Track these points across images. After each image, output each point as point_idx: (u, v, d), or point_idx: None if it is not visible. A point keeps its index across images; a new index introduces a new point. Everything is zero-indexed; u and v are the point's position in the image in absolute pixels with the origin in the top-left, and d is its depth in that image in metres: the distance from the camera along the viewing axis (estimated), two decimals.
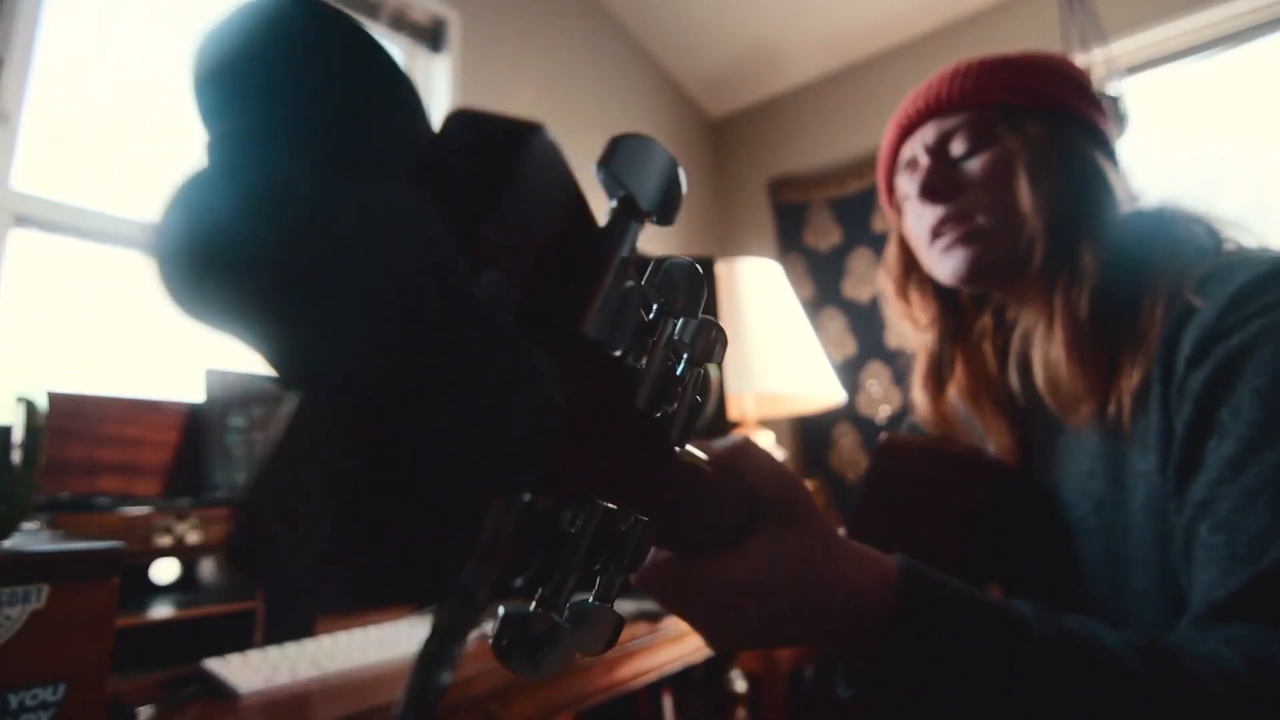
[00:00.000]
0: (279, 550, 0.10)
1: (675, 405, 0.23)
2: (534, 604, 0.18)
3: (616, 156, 0.17)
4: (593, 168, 0.17)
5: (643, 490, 0.23)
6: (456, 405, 0.12)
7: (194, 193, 0.09)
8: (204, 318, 0.09)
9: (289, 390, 0.11)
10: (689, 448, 0.32)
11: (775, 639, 0.36)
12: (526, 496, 0.14)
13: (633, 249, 0.17)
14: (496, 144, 0.13)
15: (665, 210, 0.18)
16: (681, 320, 0.23)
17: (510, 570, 0.15)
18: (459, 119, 0.13)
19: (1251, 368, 0.44)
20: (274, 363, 0.10)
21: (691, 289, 0.22)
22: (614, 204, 0.17)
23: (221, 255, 0.09)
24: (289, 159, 0.10)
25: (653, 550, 0.33)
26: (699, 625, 0.36)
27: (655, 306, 0.21)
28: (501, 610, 0.17)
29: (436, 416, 0.12)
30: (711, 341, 0.24)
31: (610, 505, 0.19)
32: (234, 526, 0.10)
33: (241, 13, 0.10)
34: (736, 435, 0.36)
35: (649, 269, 0.21)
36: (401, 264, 0.10)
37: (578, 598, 0.22)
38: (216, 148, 0.10)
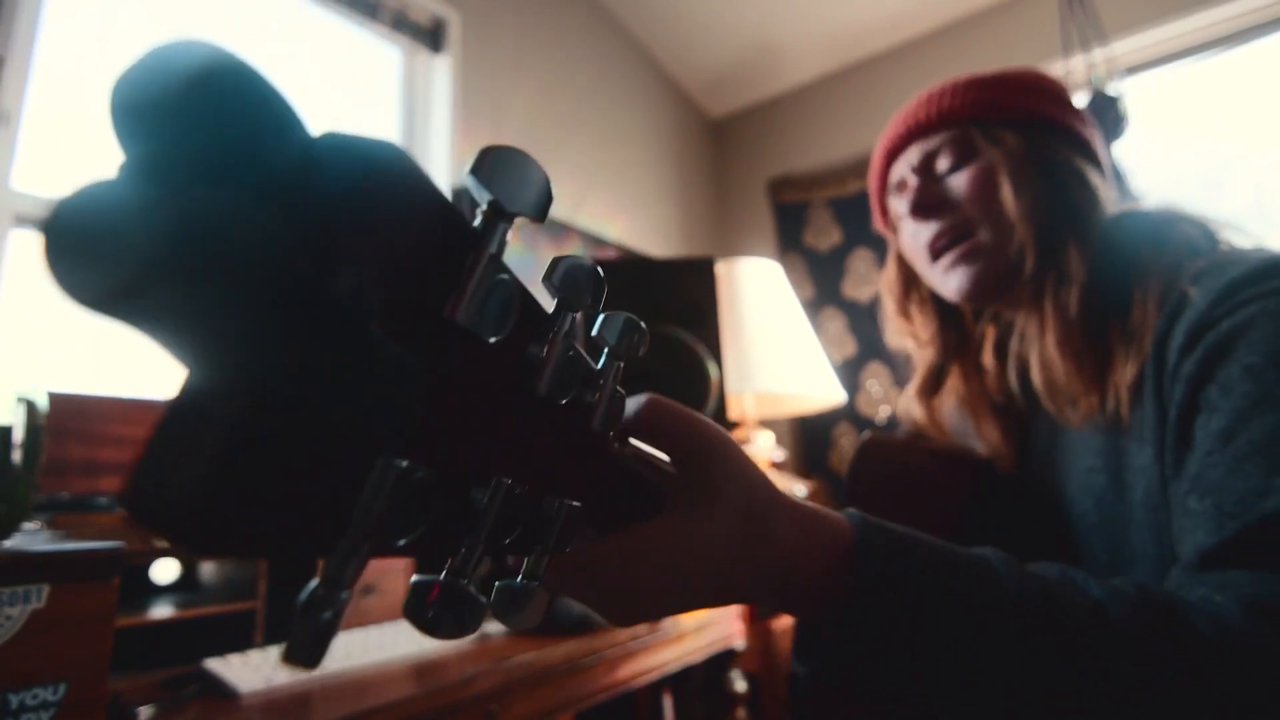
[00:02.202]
0: (165, 498, 0.12)
1: (596, 395, 0.26)
2: (443, 573, 0.20)
3: (482, 167, 0.19)
4: (467, 177, 0.19)
5: (561, 474, 0.25)
6: (321, 381, 0.14)
7: (89, 200, 0.11)
8: (92, 306, 0.11)
9: (176, 360, 0.13)
10: (635, 442, 0.33)
11: (686, 605, 0.34)
12: (403, 463, 0.16)
13: (502, 246, 0.19)
14: (347, 157, 0.15)
15: (533, 211, 0.20)
16: (601, 317, 0.26)
17: (393, 529, 0.16)
18: (324, 139, 0.15)
19: (1242, 348, 0.45)
20: (160, 337, 0.12)
21: (591, 284, 0.24)
22: (483, 207, 0.19)
23: (105, 255, 0.11)
24: (166, 177, 0.12)
25: None
26: (603, 608, 0.34)
27: (555, 301, 0.23)
28: (412, 581, 0.20)
29: (310, 392, 0.14)
30: (627, 336, 0.26)
31: (518, 485, 0.21)
32: (129, 476, 0.12)
33: (141, 60, 0.12)
34: (642, 395, 0.34)
35: (547, 267, 0.23)
36: (248, 262, 0.12)
37: (521, 579, 0.25)
38: (123, 167, 0.12)
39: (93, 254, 0.11)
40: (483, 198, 0.19)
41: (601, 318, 0.26)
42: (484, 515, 0.20)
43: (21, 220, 1.14)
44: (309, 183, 0.14)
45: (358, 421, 0.15)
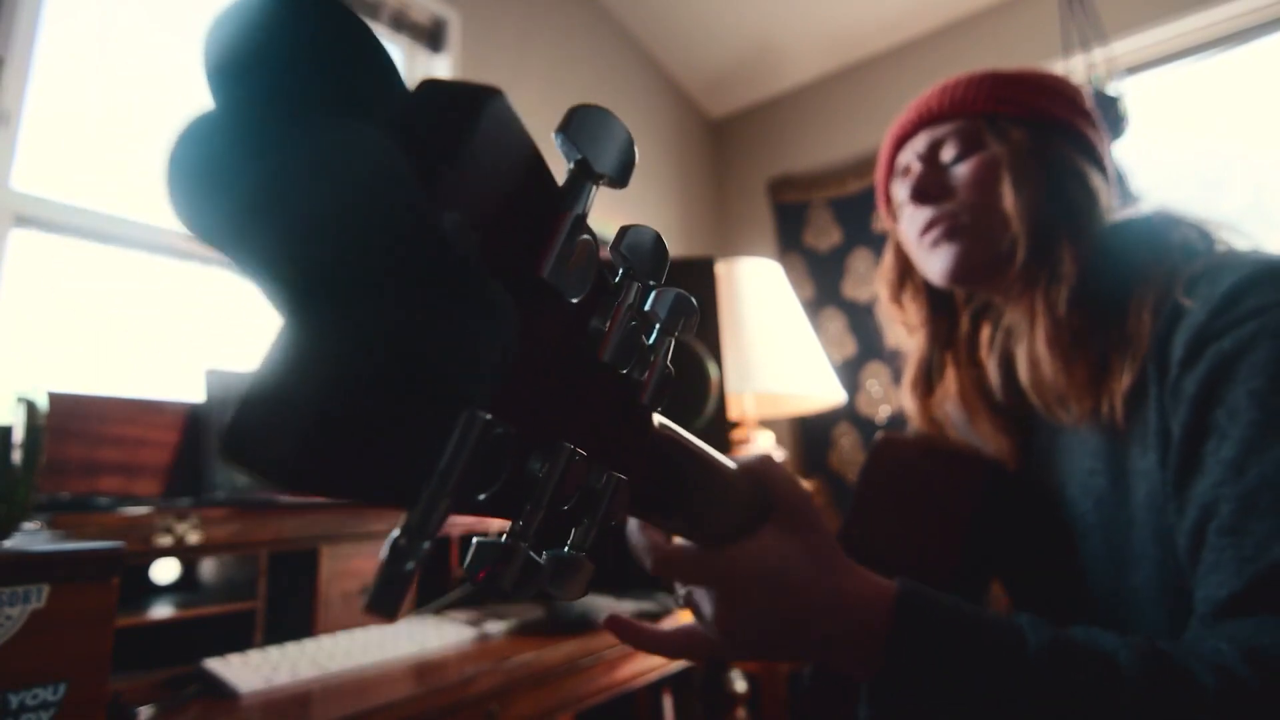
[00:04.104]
0: (262, 445, 0.12)
1: (647, 373, 0.26)
2: (504, 536, 0.20)
3: (573, 124, 0.19)
4: (553, 135, 0.19)
5: (612, 446, 0.25)
6: (422, 324, 0.14)
7: (202, 130, 0.12)
8: (207, 236, 0.11)
9: (278, 311, 0.13)
10: (707, 448, 0.35)
11: (783, 643, 0.38)
12: (487, 416, 0.16)
13: (587, 207, 0.19)
14: (458, 101, 0.15)
15: (618, 173, 0.20)
16: (654, 292, 0.26)
17: (473, 484, 0.16)
18: (429, 84, 0.15)
19: (1245, 370, 0.45)
20: (262, 283, 0.12)
21: (655, 255, 0.24)
22: (571, 166, 0.19)
23: (224, 181, 0.11)
24: (280, 105, 0.12)
25: (676, 540, 0.38)
26: (715, 607, 0.38)
27: (620, 271, 0.23)
28: (475, 541, 0.19)
29: (406, 334, 0.14)
30: (681, 310, 0.26)
31: (578, 453, 0.21)
32: (228, 425, 0.12)
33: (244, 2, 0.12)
34: (763, 453, 0.41)
35: (615, 236, 0.23)
36: (372, 193, 0.12)
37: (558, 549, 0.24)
38: (229, 104, 0.12)
39: (218, 186, 0.11)
40: (570, 156, 0.19)
41: (654, 293, 0.26)
42: (546, 480, 0.20)
43: (21, 220, 1.14)
44: (423, 119, 0.14)
45: (451, 369, 0.15)
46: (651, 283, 0.24)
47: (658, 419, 0.30)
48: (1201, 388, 0.47)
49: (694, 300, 0.27)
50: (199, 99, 0.13)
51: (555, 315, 0.20)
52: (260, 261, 0.12)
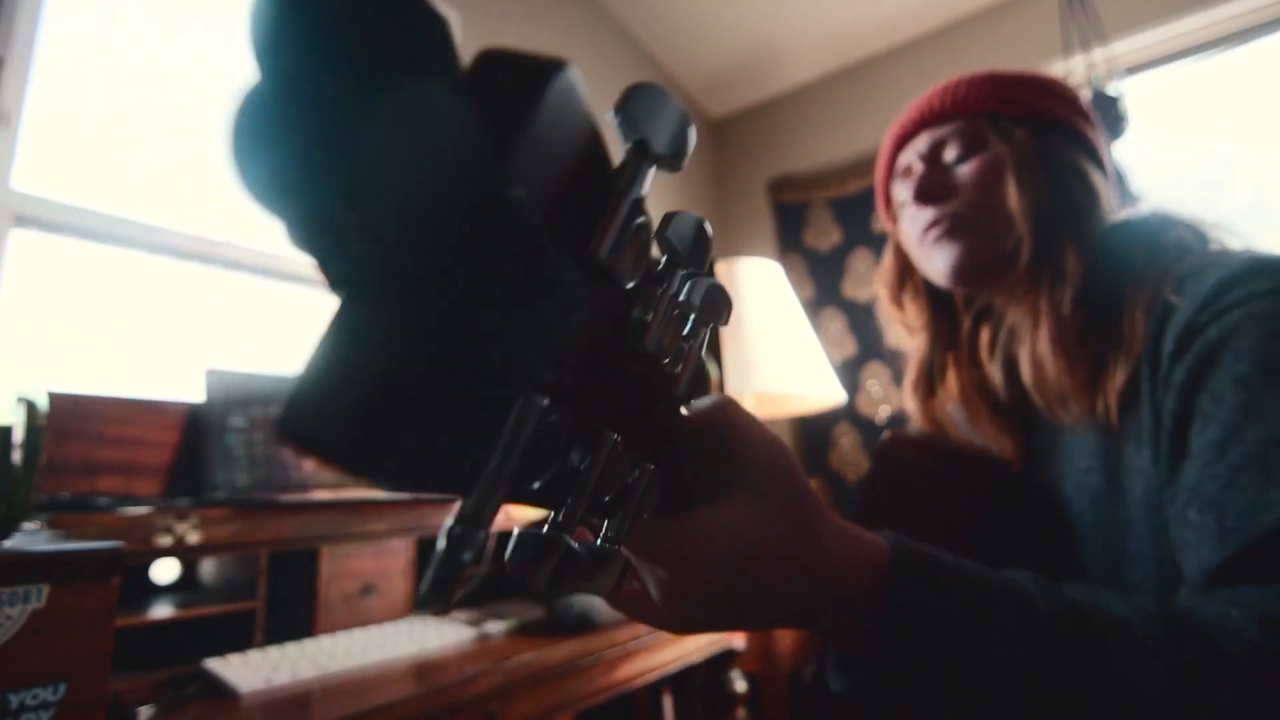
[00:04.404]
0: (321, 426, 0.11)
1: (681, 364, 0.24)
2: (545, 528, 0.19)
3: (631, 103, 0.18)
4: (610, 112, 0.18)
5: (649, 437, 0.24)
6: (485, 301, 0.13)
7: (266, 96, 0.11)
8: (272, 203, 0.11)
9: (333, 289, 0.12)
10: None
11: (747, 616, 0.33)
12: (545, 401, 0.15)
13: (645, 189, 0.18)
14: (527, 74, 0.14)
15: (675, 156, 0.19)
16: (689, 282, 0.24)
17: (528, 471, 0.16)
18: (492, 54, 0.14)
19: (1229, 356, 0.45)
20: (325, 253, 0.12)
21: (698, 242, 0.23)
22: (629, 146, 0.18)
23: (293, 145, 0.11)
24: (346, 69, 0.12)
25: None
26: (662, 590, 0.33)
27: (663, 260, 0.22)
28: (516, 530, 0.18)
29: (467, 311, 0.13)
30: (717, 302, 0.25)
31: (620, 443, 0.20)
32: (286, 405, 0.11)
33: None
34: (719, 394, 0.34)
35: (659, 222, 0.22)
36: (445, 159, 0.12)
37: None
38: (286, 73, 0.12)
39: (289, 144, 0.11)
40: (629, 136, 0.18)
41: (689, 282, 0.24)
42: (590, 470, 0.19)
43: (21, 220, 1.14)
44: (495, 86, 0.13)
45: (515, 346, 0.14)
46: (700, 271, 0.23)
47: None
48: (1189, 376, 0.47)
49: (728, 291, 0.25)
50: (247, 74, 0.12)
51: (608, 300, 0.19)
52: (325, 231, 0.11)
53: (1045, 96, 0.64)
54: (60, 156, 1.21)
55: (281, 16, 0.12)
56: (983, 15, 2.14)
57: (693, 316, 0.25)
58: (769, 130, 2.63)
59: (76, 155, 1.24)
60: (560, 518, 0.19)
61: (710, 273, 0.25)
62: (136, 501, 0.86)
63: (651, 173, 0.19)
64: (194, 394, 1.08)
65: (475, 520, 0.15)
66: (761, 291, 1.54)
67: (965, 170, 0.63)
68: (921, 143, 0.66)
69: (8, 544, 0.53)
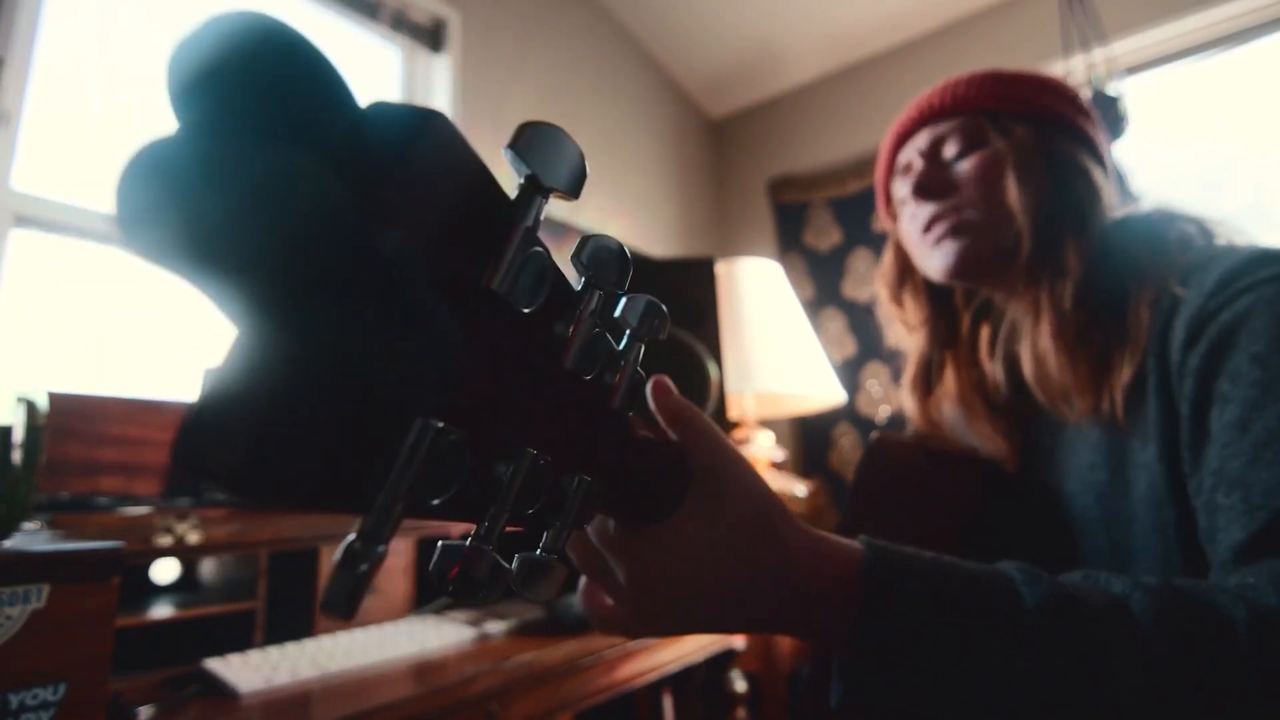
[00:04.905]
0: (214, 452, 0.12)
1: (617, 376, 0.26)
2: (469, 539, 0.20)
3: (521, 141, 0.19)
4: (504, 151, 0.20)
5: (581, 450, 0.25)
6: (365, 338, 0.14)
7: (153, 154, 0.12)
8: (154, 257, 0.12)
9: (230, 321, 0.13)
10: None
11: (715, 620, 0.33)
12: (439, 424, 0.17)
13: (537, 220, 0.20)
14: (398, 123, 0.15)
15: (570, 186, 0.21)
16: (624, 299, 0.26)
17: (426, 489, 0.17)
18: (376, 106, 0.15)
19: (1245, 337, 0.46)
20: (212, 297, 0.13)
21: (618, 263, 0.24)
22: (521, 180, 0.20)
23: (174, 204, 0.12)
24: (231, 132, 0.13)
25: (600, 519, 0.33)
26: (624, 598, 0.34)
27: (583, 280, 0.24)
28: (440, 544, 0.20)
29: (354, 342, 0.14)
30: (649, 318, 0.27)
31: (542, 457, 0.22)
32: (180, 429, 0.12)
33: (202, 28, 0.13)
34: (682, 400, 0.35)
35: (575, 246, 0.24)
36: (311, 218, 0.13)
37: (535, 551, 0.25)
38: (183, 129, 0.13)
39: (164, 209, 0.12)
40: (520, 171, 0.20)
41: (624, 299, 0.26)
42: (509, 485, 0.21)
43: (21, 220, 1.14)
44: (364, 144, 0.14)
45: (399, 382, 0.15)
46: (620, 290, 0.25)
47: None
48: (1205, 361, 0.47)
49: (663, 306, 0.27)
50: (162, 123, 0.13)
51: (510, 325, 0.20)
52: (209, 279, 0.12)
53: (1046, 94, 0.64)
54: (60, 156, 1.21)
55: (188, 70, 0.13)
56: (983, 15, 2.14)
57: (628, 331, 0.27)
58: (769, 130, 2.63)
59: (76, 155, 1.24)
60: (483, 529, 0.20)
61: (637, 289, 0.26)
62: (136, 501, 0.86)
63: (544, 204, 0.20)
64: (194, 394, 1.08)
65: (374, 536, 0.16)
66: (761, 291, 1.55)
67: (965, 166, 0.63)
68: (922, 140, 0.66)
69: (8, 544, 0.53)
